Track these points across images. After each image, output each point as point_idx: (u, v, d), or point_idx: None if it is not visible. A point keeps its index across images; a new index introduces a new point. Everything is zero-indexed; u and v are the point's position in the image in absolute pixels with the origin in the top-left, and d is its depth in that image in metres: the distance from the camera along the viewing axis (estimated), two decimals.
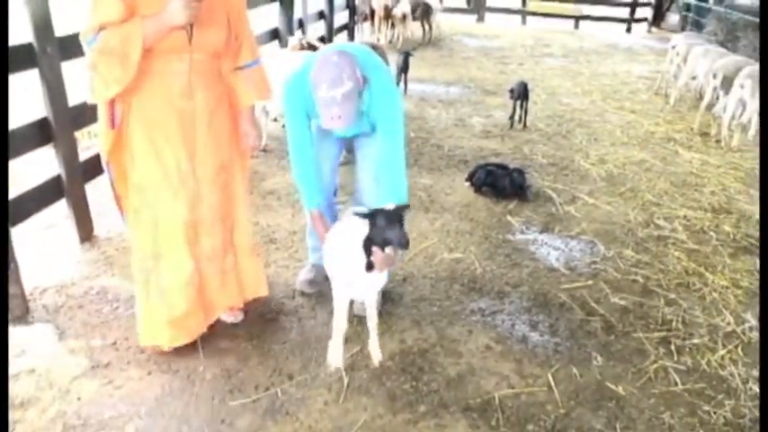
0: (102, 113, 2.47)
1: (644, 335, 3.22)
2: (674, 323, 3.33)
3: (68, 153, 3.57)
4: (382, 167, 2.83)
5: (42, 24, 3.25)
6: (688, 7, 11.74)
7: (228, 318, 3.10)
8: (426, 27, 11.23)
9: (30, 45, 3.24)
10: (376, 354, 2.92)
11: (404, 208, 2.55)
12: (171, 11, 2.26)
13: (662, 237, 4.29)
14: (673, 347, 3.13)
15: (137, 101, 2.46)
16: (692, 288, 3.68)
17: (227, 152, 2.74)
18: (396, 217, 2.47)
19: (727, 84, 6.25)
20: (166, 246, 2.65)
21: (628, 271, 3.83)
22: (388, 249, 2.55)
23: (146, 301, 2.74)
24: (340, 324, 2.83)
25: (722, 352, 3.11)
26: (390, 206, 2.51)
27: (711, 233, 4.37)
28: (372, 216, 2.50)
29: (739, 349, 3.14)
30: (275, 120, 5.76)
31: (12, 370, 2.72)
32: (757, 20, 9.13)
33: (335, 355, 2.86)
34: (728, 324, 3.34)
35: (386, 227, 2.46)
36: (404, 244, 2.46)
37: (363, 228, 2.55)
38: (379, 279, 2.74)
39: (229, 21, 2.54)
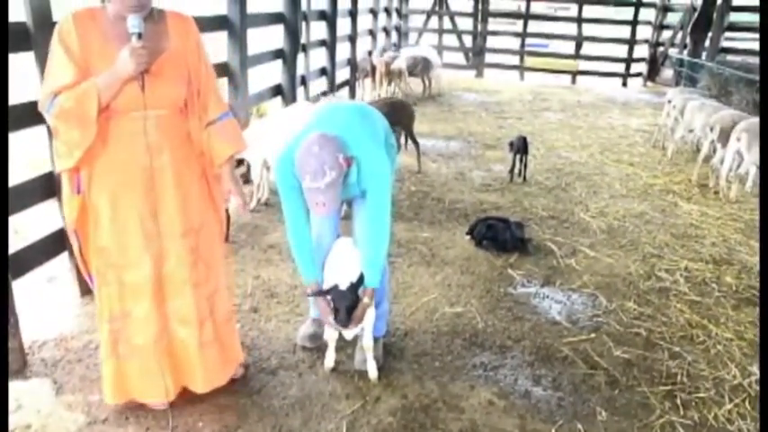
0: (66, 180, 2.46)
1: (648, 389, 3.17)
2: (678, 377, 3.29)
3: None
4: (365, 241, 2.90)
5: None
6: (681, 63, 12.00)
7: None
8: (426, 82, 11.46)
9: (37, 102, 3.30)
10: (372, 372, 3.12)
11: (354, 289, 2.84)
12: (120, 61, 2.25)
13: (663, 289, 4.28)
14: (678, 401, 3.08)
15: (100, 164, 2.43)
16: (696, 341, 3.65)
17: (196, 216, 2.65)
18: (347, 296, 2.81)
19: (723, 136, 6.34)
20: (134, 303, 2.60)
21: (630, 324, 3.80)
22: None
23: (115, 360, 2.66)
24: (331, 335, 3.14)
25: (729, 406, 3.06)
26: (343, 287, 2.82)
27: (713, 285, 4.36)
28: (331, 290, 2.86)
29: (746, 403, 3.10)
30: None
31: None
32: (749, 76, 9.33)
33: (329, 359, 3.21)
34: (734, 377, 3.30)
35: (336, 300, 2.83)
36: (341, 323, 2.84)
37: (350, 254, 2.97)
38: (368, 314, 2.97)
39: (190, 75, 2.51)
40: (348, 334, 3.03)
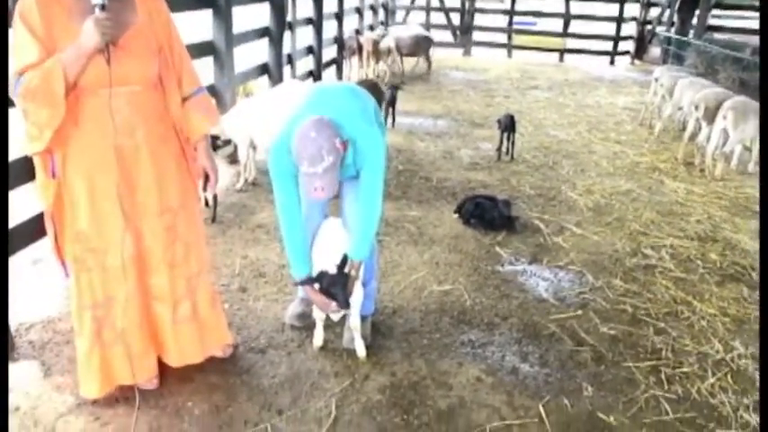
0: (40, 165, 2.38)
1: (634, 364, 3.22)
2: (663, 352, 3.34)
3: None
4: (357, 214, 2.89)
5: None
6: (669, 41, 12.01)
7: (217, 352, 3.04)
8: (426, 61, 11.41)
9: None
10: (361, 351, 3.15)
11: (345, 271, 2.86)
12: (84, 33, 2.17)
13: (649, 266, 4.32)
14: (663, 376, 3.13)
15: (72, 146, 2.37)
16: (681, 317, 3.70)
17: (174, 195, 2.61)
18: (338, 279, 2.82)
19: (708, 114, 6.37)
20: (117, 286, 2.56)
21: (616, 300, 3.85)
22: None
23: (99, 349, 2.62)
24: (319, 315, 3.17)
25: (712, 380, 3.12)
26: (333, 269, 2.83)
27: (698, 262, 4.41)
28: (319, 277, 2.87)
29: (729, 377, 3.15)
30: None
31: None
32: (735, 54, 9.37)
33: (318, 338, 3.23)
34: (717, 352, 3.35)
35: (329, 286, 2.83)
36: (343, 305, 2.85)
37: (338, 235, 3.01)
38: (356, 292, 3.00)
39: (162, 50, 2.47)
40: (335, 315, 3.05)
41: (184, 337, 2.81)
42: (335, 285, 2.81)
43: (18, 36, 2.22)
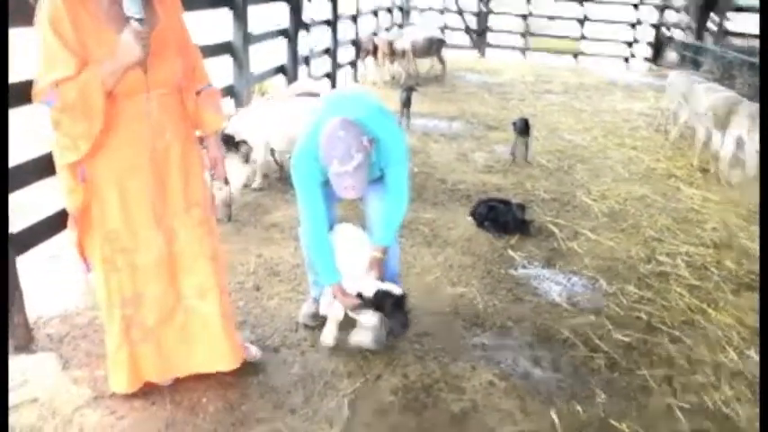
0: (66, 169, 2.37)
1: (648, 372, 3.21)
2: (678, 360, 3.32)
3: None
4: (384, 207, 2.98)
5: None
6: (685, 46, 11.93)
7: (247, 356, 3.02)
8: (440, 63, 11.41)
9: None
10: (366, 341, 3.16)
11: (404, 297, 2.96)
12: (124, 47, 2.18)
13: (664, 273, 4.30)
14: (677, 385, 3.12)
15: (104, 149, 2.36)
16: (696, 325, 3.68)
17: (199, 188, 2.67)
18: (401, 303, 2.88)
19: (719, 121, 6.31)
20: (146, 284, 2.58)
21: (631, 307, 3.83)
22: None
23: (128, 347, 2.64)
24: (335, 314, 3.16)
25: (727, 390, 3.10)
26: (397, 291, 2.91)
27: (713, 269, 4.38)
28: (380, 298, 2.90)
29: (744, 388, 3.13)
30: (279, 164, 5.74)
31: (14, 399, 2.71)
32: (753, 59, 9.28)
33: (329, 335, 3.19)
34: (733, 362, 3.33)
35: (391, 312, 2.90)
36: (402, 331, 2.99)
37: (356, 239, 3.05)
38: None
39: (183, 50, 2.49)
40: (357, 314, 3.08)
41: (231, 331, 2.86)
42: (400, 308, 2.89)
43: (48, 44, 2.18)
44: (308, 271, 3.45)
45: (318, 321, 3.37)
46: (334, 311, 3.13)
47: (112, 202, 2.45)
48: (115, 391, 2.75)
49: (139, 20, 2.18)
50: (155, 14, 2.38)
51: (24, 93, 3.18)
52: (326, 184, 2.88)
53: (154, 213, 2.52)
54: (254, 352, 3.06)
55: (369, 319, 3.03)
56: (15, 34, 3.01)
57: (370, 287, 2.93)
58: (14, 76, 3.07)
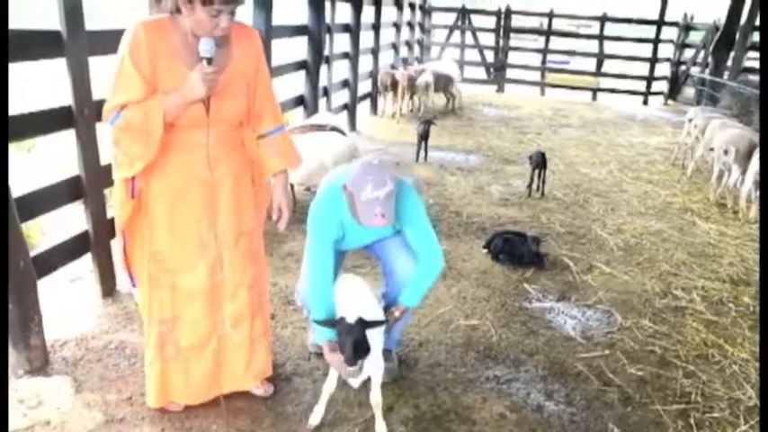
0: (121, 185, 2.48)
1: (662, 407, 3.17)
2: (693, 396, 3.28)
3: (97, 210, 3.69)
4: (417, 265, 2.93)
5: (82, 88, 3.43)
6: (703, 82, 11.95)
7: (258, 391, 3.02)
8: (449, 97, 11.55)
9: (69, 107, 3.42)
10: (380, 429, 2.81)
11: (362, 324, 2.52)
12: (190, 84, 2.28)
13: (679, 307, 4.26)
14: (692, 421, 3.07)
15: (159, 174, 2.47)
16: (712, 360, 3.63)
17: (249, 219, 2.73)
18: (354, 331, 2.49)
19: (740, 157, 6.30)
20: (184, 307, 2.65)
21: (645, 341, 3.79)
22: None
23: (161, 363, 2.71)
24: (329, 387, 2.84)
25: (744, 427, 3.05)
26: (351, 320, 2.51)
27: (730, 305, 4.34)
28: (334, 324, 2.57)
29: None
30: (305, 189, 5.82)
31: (27, 421, 2.75)
32: None
33: (316, 415, 2.87)
34: (750, 398, 3.28)
35: (343, 334, 2.50)
36: (350, 361, 2.47)
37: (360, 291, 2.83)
38: (375, 356, 2.67)
39: (248, 90, 2.54)
40: (355, 382, 2.75)
41: (260, 352, 2.91)
42: (348, 335, 2.48)
43: (124, 68, 2.29)
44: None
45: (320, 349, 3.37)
46: (330, 382, 2.85)
47: (162, 225, 2.54)
48: (148, 404, 2.82)
49: (209, 60, 2.26)
50: (228, 55, 2.45)
51: (56, 120, 3.36)
52: (337, 242, 2.92)
53: (199, 240, 2.58)
54: (267, 387, 3.07)
55: (376, 362, 2.75)
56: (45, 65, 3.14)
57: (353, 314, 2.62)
58: (42, 104, 3.21)
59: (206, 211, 2.55)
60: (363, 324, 2.52)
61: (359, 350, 2.49)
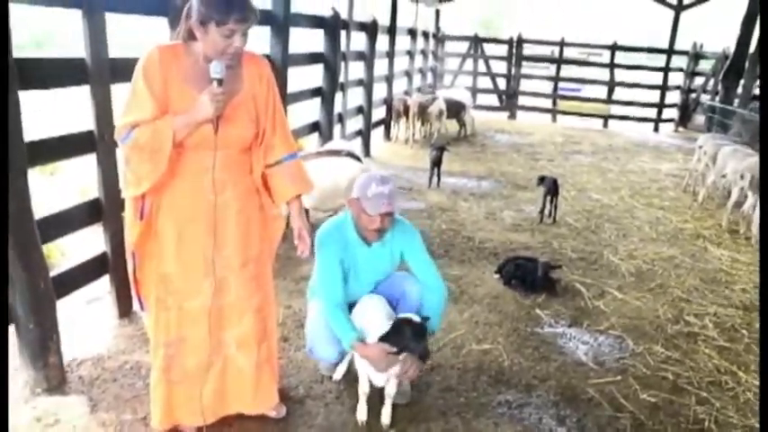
0: (131, 205, 2.53)
1: None
2: (706, 423, 3.27)
3: (115, 232, 3.76)
4: (427, 290, 3.13)
5: (104, 114, 3.53)
6: (713, 109, 11.99)
7: (271, 413, 3.04)
8: (461, 124, 11.65)
9: (91, 132, 3.52)
10: (385, 418, 3.05)
11: (426, 328, 2.83)
12: (200, 105, 2.33)
13: (692, 333, 4.26)
14: None
15: (167, 195, 2.52)
16: (725, 387, 3.62)
17: (256, 245, 2.74)
18: (422, 330, 2.76)
19: (754, 183, 6.31)
20: (190, 328, 2.67)
21: (657, 367, 3.79)
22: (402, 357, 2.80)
23: (166, 385, 2.73)
24: (363, 387, 3.06)
25: None
26: (417, 319, 2.79)
27: (743, 331, 4.32)
28: (398, 324, 2.78)
29: None
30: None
31: None
32: None
33: (361, 413, 3.08)
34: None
35: (410, 337, 2.73)
36: (423, 356, 2.79)
37: (381, 312, 2.99)
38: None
39: (258, 116, 2.58)
40: (382, 379, 2.96)
41: (265, 379, 2.92)
42: (420, 337, 2.73)
43: (137, 89, 2.38)
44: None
45: (334, 371, 3.41)
46: (363, 385, 3.06)
47: (169, 247, 2.58)
48: (154, 427, 2.83)
49: (219, 81, 2.34)
50: (239, 80, 2.52)
51: (78, 145, 3.45)
52: (345, 262, 3.03)
53: (205, 262, 2.60)
54: (280, 409, 3.09)
55: (381, 379, 2.97)
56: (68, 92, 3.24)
57: (387, 322, 2.85)
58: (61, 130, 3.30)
59: (213, 234, 2.57)
60: (404, 323, 2.77)
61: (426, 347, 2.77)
